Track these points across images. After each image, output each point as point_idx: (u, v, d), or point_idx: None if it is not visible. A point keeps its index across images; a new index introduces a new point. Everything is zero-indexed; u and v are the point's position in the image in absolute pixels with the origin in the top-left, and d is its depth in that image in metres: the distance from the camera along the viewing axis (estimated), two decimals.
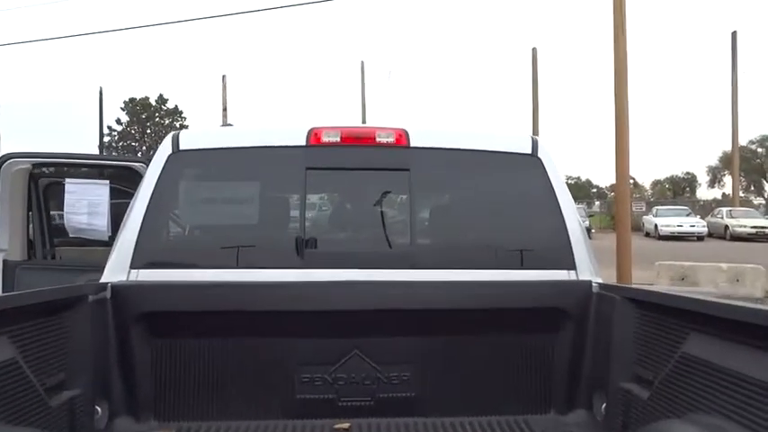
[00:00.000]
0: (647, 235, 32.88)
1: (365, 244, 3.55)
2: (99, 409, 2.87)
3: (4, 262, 4.79)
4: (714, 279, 13.09)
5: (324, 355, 3.10)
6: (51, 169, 5.68)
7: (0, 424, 2.10)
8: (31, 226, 5.21)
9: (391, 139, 3.38)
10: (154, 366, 3.02)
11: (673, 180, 67.04)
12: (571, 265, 3.25)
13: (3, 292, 4.54)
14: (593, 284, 3.14)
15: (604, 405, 2.96)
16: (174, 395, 3.04)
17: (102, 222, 4.83)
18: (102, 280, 3.05)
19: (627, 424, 2.73)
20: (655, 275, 13.42)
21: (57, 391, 2.57)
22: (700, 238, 30.91)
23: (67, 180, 5.14)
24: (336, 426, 3.00)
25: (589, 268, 3.26)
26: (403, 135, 3.39)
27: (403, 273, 3.15)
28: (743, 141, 43.76)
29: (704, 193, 60.80)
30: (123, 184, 5.07)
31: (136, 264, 3.11)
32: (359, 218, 3.77)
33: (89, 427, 2.72)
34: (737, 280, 13.09)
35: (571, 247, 3.28)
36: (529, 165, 3.45)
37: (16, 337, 2.29)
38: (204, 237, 3.80)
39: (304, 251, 3.23)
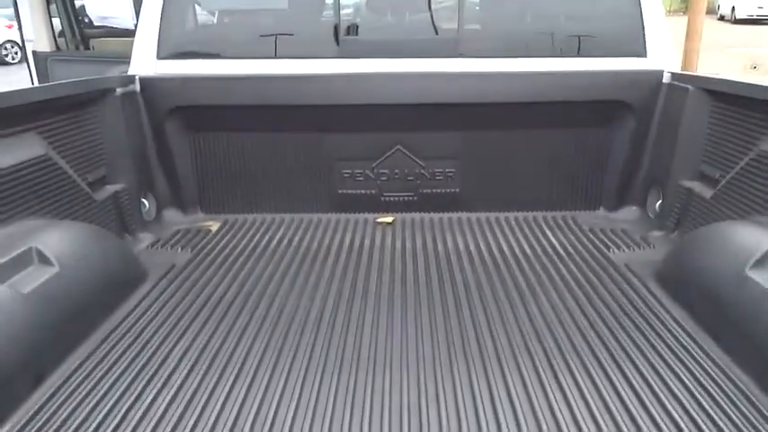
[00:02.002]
0: (722, 18, 30.00)
1: (408, 30, 3.21)
2: (146, 202, 2.91)
3: (34, 53, 4.64)
4: None
5: (365, 151, 2.99)
6: None
7: (48, 219, 2.13)
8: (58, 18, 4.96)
9: None
10: (194, 160, 3.00)
11: None
12: (641, 52, 2.87)
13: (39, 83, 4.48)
14: (665, 74, 2.79)
15: (659, 203, 2.82)
16: (218, 189, 3.05)
17: (125, 9, 4.52)
18: (129, 72, 2.89)
19: (682, 222, 2.62)
20: (725, 64, 12.39)
21: (99, 185, 2.58)
22: None
23: None
24: (379, 219, 3.01)
25: (662, 55, 2.88)
26: None
27: (449, 62, 2.87)
28: None
29: None
30: None
31: (162, 54, 2.91)
32: (401, 1, 3.36)
33: (138, 219, 2.79)
34: None
35: (643, 30, 2.87)
36: None
37: (45, 133, 2.22)
38: (233, 24, 3.51)
39: (341, 39, 2.95)
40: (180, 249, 2.64)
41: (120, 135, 2.67)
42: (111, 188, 2.63)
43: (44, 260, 1.80)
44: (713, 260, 1.94)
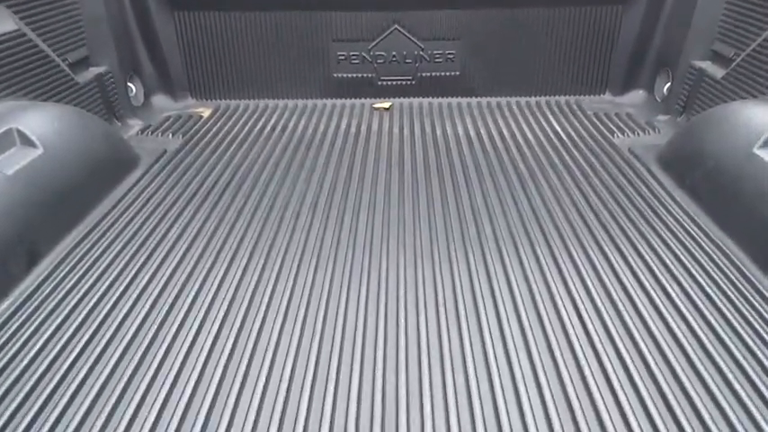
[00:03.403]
0: None
1: None
2: (133, 87, 2.79)
3: None
4: None
5: (360, 31, 2.82)
6: None
7: (27, 101, 2.03)
8: None
9: None
10: (180, 41, 2.84)
11: None
12: None
13: None
14: None
15: (668, 85, 2.71)
16: (207, 73, 2.92)
17: None
18: None
19: (689, 105, 2.52)
20: None
21: (82, 67, 2.46)
22: None
23: None
24: (376, 105, 2.90)
25: None
26: None
27: None
28: None
29: None
30: None
31: None
32: None
33: (126, 104, 2.68)
34: None
35: None
36: None
37: (16, 7, 2.07)
38: None
39: None
40: (171, 135, 2.56)
41: (100, 12, 2.50)
42: (94, 70, 2.51)
43: (27, 141, 1.73)
44: (721, 140, 1.87)
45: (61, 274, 1.57)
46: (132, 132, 2.60)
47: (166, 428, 1.11)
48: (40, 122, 1.84)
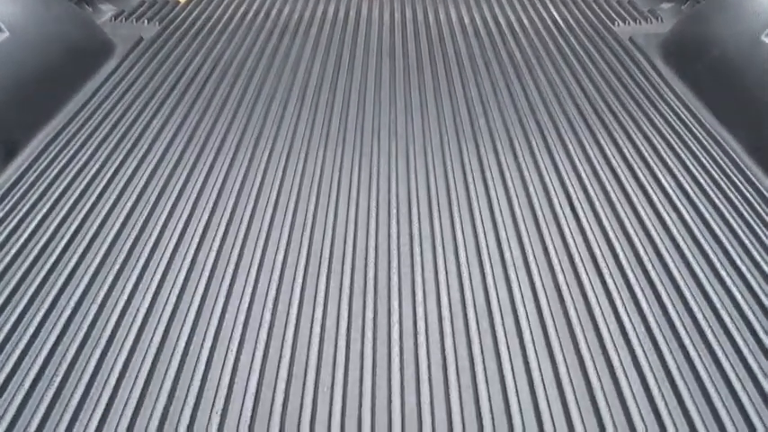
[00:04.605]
0: None
1: None
2: None
3: None
4: None
5: None
6: None
7: None
8: None
9: None
10: None
11: None
12: None
13: None
14: None
15: None
16: None
17: None
18: None
19: None
20: None
21: None
22: None
23: None
24: None
25: None
26: None
27: None
28: None
29: None
30: None
31: None
32: None
33: None
34: None
35: None
36: None
37: None
38: None
39: None
40: (146, 22, 2.41)
41: None
42: None
43: None
44: (727, 27, 1.79)
45: (42, 165, 1.52)
46: (105, 18, 2.44)
47: (157, 322, 1.11)
48: (4, 5, 1.70)
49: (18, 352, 1.04)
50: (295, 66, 2.06)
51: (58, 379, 1.00)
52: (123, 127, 1.69)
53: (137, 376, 1.01)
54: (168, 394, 0.99)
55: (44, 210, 1.36)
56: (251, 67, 2.05)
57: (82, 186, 1.44)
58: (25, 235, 1.29)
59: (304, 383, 1.01)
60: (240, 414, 0.96)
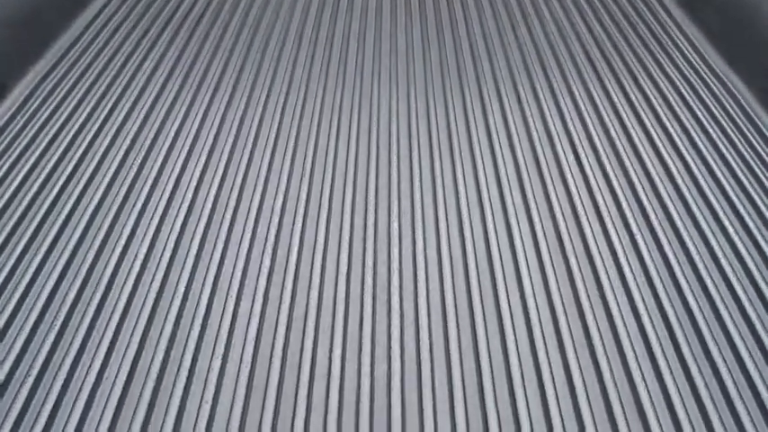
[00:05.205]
0: None
1: None
2: None
3: None
4: None
5: None
6: None
7: None
8: None
9: None
10: None
11: None
12: None
13: None
14: None
15: None
16: None
17: None
18: None
19: None
20: None
21: None
22: None
23: None
24: None
25: None
26: None
27: None
28: None
29: None
30: None
31: None
32: None
33: None
34: None
35: None
36: None
37: None
38: None
39: None
40: None
41: None
42: None
43: None
44: None
45: (32, 107, 1.48)
46: None
47: (156, 267, 1.11)
48: None
49: (17, 296, 1.04)
50: (292, 2, 1.98)
51: (59, 323, 1.00)
52: (115, 68, 1.63)
53: (137, 321, 1.02)
54: (169, 339, 0.99)
55: (36, 155, 1.33)
56: (246, 3, 1.97)
57: (75, 129, 1.41)
58: (17, 180, 1.27)
59: (304, 328, 1.01)
60: (241, 358, 0.97)
